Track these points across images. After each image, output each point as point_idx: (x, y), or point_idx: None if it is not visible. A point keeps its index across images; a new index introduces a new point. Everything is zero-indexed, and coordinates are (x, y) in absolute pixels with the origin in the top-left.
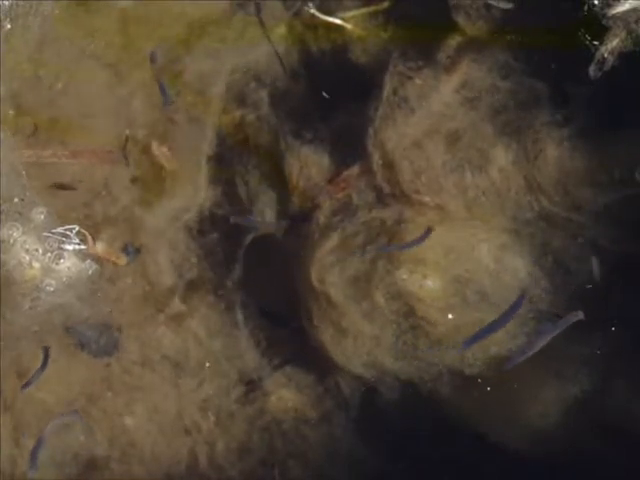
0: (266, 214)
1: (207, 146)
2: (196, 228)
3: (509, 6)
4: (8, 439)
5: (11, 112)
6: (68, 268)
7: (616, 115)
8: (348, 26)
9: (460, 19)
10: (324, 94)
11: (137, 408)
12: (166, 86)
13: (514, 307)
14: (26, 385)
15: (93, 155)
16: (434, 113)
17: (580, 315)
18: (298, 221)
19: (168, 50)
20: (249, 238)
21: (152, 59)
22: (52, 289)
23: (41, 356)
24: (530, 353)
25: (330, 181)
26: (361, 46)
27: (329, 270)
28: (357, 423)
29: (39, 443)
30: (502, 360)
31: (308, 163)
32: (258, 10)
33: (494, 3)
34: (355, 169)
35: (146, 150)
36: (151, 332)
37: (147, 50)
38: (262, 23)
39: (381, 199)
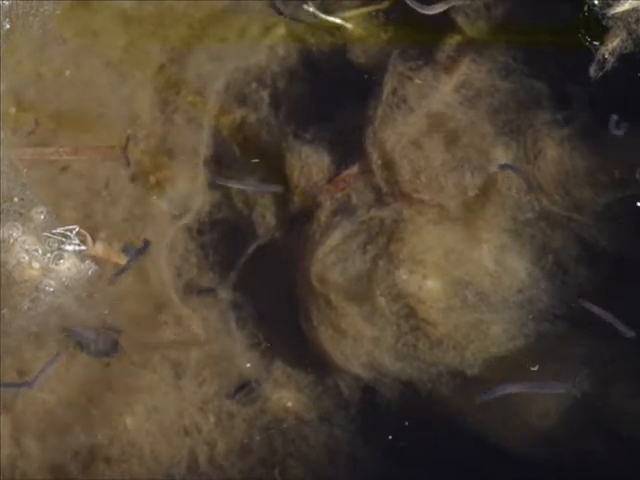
0: (266, 214)
1: (207, 146)
2: (196, 228)
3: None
4: (8, 439)
5: (12, 110)
6: (68, 269)
7: (616, 115)
8: (348, 26)
9: (459, 19)
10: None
11: (137, 408)
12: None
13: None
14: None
15: (95, 151)
16: (434, 113)
17: (565, 388)
18: (299, 221)
19: (169, 50)
20: (252, 247)
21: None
22: (51, 289)
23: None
24: (500, 394)
25: (330, 180)
26: (361, 46)
27: (330, 270)
28: (357, 423)
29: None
30: (502, 360)
31: (309, 163)
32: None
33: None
34: (354, 168)
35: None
36: (151, 332)
37: (148, 49)
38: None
39: (380, 198)
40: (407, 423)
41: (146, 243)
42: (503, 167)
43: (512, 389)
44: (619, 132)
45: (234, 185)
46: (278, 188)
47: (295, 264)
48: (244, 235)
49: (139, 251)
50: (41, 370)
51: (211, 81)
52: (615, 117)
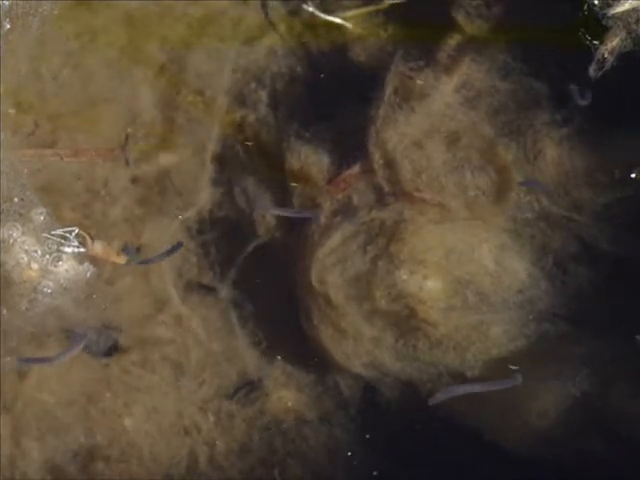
0: (267, 214)
1: (208, 146)
2: (196, 228)
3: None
4: (8, 440)
5: (11, 111)
6: (66, 270)
7: (616, 115)
8: (348, 25)
9: (460, 18)
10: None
11: (136, 408)
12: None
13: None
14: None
15: (95, 153)
16: (434, 113)
17: (518, 380)
18: (298, 222)
19: (169, 50)
20: (252, 245)
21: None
22: (49, 291)
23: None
24: (455, 394)
25: (330, 181)
26: (361, 45)
27: (330, 271)
28: (357, 423)
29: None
30: (503, 361)
31: (308, 163)
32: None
33: None
34: (355, 169)
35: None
36: (150, 332)
37: (148, 49)
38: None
39: (381, 199)
40: (407, 423)
41: (178, 244)
42: (523, 184)
43: (465, 390)
44: (584, 102)
45: (278, 212)
46: (315, 213)
47: (295, 264)
48: (244, 234)
49: (169, 251)
50: (64, 351)
51: (211, 80)
52: (576, 87)
